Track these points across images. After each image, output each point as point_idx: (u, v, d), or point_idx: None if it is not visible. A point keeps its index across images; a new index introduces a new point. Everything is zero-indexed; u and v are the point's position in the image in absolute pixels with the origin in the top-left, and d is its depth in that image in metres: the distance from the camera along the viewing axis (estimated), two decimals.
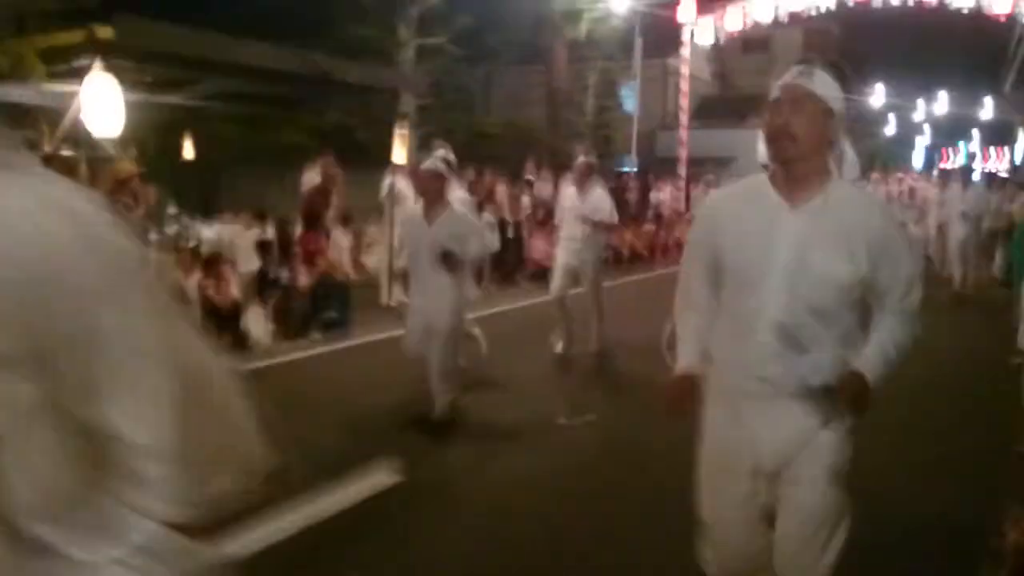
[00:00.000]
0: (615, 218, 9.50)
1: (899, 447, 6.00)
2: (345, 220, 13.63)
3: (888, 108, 48.68)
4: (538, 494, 5.06)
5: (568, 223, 9.21)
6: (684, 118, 23.10)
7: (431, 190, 6.38)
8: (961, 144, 64.59)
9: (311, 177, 12.27)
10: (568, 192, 9.50)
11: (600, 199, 9.05)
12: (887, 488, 5.16)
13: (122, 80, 8.64)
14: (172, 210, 12.38)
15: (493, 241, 14.04)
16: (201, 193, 14.12)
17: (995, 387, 7.32)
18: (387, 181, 12.01)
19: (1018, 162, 46.15)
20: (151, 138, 14.46)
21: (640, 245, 17.59)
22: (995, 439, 6.05)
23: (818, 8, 20.65)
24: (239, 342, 8.98)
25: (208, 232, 12.18)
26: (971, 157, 62.26)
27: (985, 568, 3.62)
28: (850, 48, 45.28)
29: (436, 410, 6.29)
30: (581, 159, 9.26)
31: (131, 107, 8.85)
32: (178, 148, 14.27)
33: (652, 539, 4.44)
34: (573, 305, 9.27)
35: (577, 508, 4.86)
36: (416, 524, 4.64)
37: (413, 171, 13.90)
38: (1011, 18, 20.41)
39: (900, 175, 24.17)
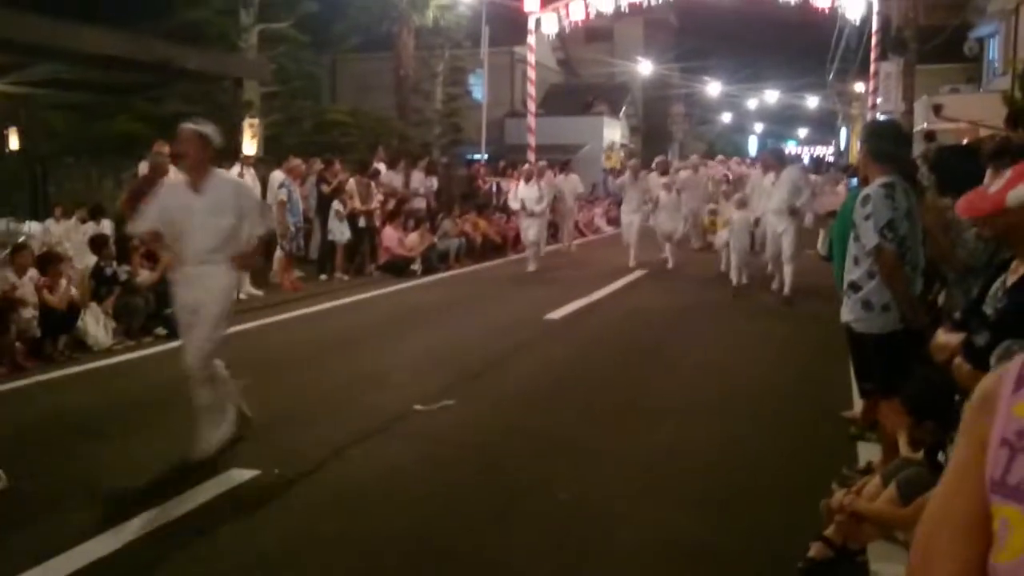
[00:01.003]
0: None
1: (749, 415, 6.36)
2: None
3: (724, 98, 50.82)
4: (398, 480, 5.09)
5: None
6: (532, 106, 23.42)
7: (192, 153, 5.44)
8: (791, 133, 68.37)
9: (145, 168, 11.75)
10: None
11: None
12: (733, 450, 5.47)
13: None
14: None
15: (343, 231, 13.88)
16: (30, 187, 13.32)
17: (826, 361, 7.84)
18: (235, 172, 11.66)
19: (843, 148, 49.24)
20: None
21: (492, 233, 17.76)
22: (825, 405, 6.48)
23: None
24: (77, 342, 8.56)
25: (36, 228, 11.53)
26: (800, 144, 65.98)
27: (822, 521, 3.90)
28: (688, 39, 47.14)
29: (198, 404, 5.48)
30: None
31: None
32: (2, 139, 13.40)
33: (510, 526, 4.55)
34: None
35: (437, 494, 4.91)
36: (272, 516, 4.57)
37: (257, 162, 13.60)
38: (832, 11, 21.66)
39: (721, 157, 25.15)
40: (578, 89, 38.72)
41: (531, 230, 15.45)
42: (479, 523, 4.49)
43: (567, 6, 21.24)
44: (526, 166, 17.38)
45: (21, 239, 10.64)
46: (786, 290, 11.39)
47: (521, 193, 15.66)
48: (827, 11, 21.40)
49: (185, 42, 13.58)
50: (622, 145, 37.28)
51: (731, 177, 20.32)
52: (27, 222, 11.73)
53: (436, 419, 6.29)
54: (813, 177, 19.40)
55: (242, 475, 5.05)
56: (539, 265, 15.25)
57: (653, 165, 17.20)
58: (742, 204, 12.72)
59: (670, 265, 15.19)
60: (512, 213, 17.33)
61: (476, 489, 4.96)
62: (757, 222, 12.29)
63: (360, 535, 4.38)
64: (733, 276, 12.41)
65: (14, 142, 13.31)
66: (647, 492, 4.89)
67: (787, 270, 11.40)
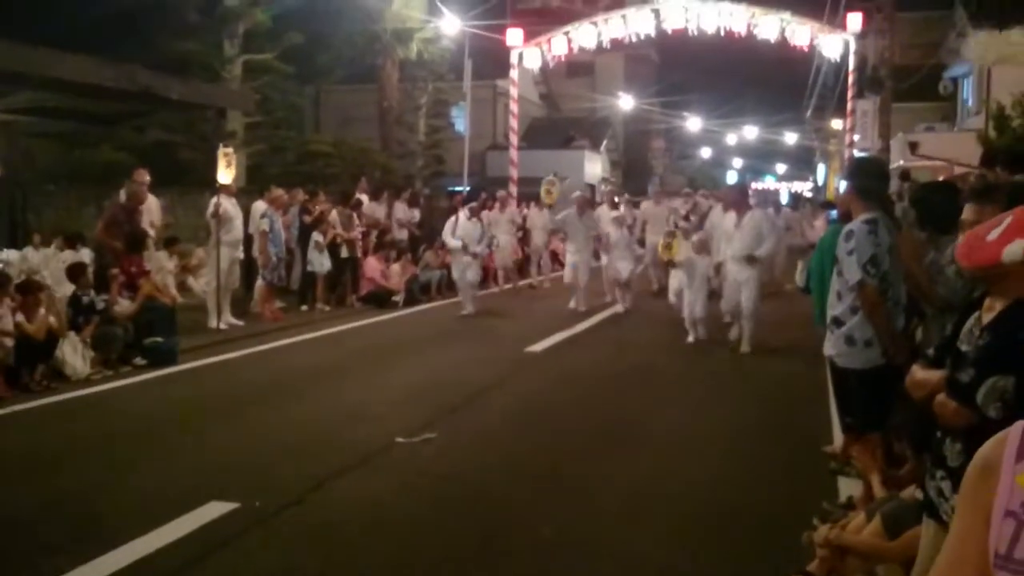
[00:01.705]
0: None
1: (727, 449, 6.36)
2: (170, 242, 13.10)
3: (704, 133, 51.33)
4: (379, 513, 5.05)
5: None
6: (514, 139, 23.57)
7: None
8: (770, 168, 69.09)
9: (123, 196, 11.70)
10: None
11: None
12: (715, 484, 5.47)
13: None
14: None
15: (323, 262, 13.84)
16: (8, 214, 13.21)
17: (806, 395, 7.88)
18: (213, 201, 11.63)
19: (820, 184, 49.79)
20: None
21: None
22: (806, 440, 6.50)
23: (638, 35, 21.57)
24: (55, 372, 8.46)
25: (13, 256, 11.41)
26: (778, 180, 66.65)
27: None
28: (669, 74, 47.68)
29: None
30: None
31: None
32: None
33: (494, 558, 4.52)
34: None
35: (419, 527, 4.87)
36: (252, 549, 4.52)
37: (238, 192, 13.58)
38: (811, 50, 22.01)
39: (687, 190, 23.42)
40: (560, 123, 39.00)
41: (470, 271, 13.72)
42: (462, 555, 4.46)
43: (549, 41, 21.48)
44: (499, 193, 16.99)
45: None
46: (745, 346, 10.18)
47: (462, 230, 13.75)
48: (806, 49, 21.74)
49: (169, 72, 13.58)
50: (603, 179, 37.51)
51: (688, 212, 18.46)
52: (4, 250, 11.61)
53: (418, 452, 6.25)
54: (786, 213, 19.19)
55: (222, 508, 4.99)
56: (477, 308, 13.68)
57: (599, 198, 16.44)
58: (702, 247, 11.07)
59: (621, 309, 13.75)
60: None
61: (459, 522, 4.93)
62: (718, 269, 10.72)
63: (341, 568, 4.34)
64: (689, 330, 10.94)
65: None
66: (629, 525, 4.88)
67: (747, 326, 10.22)
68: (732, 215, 10.36)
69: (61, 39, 13.36)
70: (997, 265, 2.21)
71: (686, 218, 16.09)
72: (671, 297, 12.12)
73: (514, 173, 22.19)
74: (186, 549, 4.48)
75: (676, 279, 11.70)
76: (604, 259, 14.66)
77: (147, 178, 11.18)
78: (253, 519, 4.87)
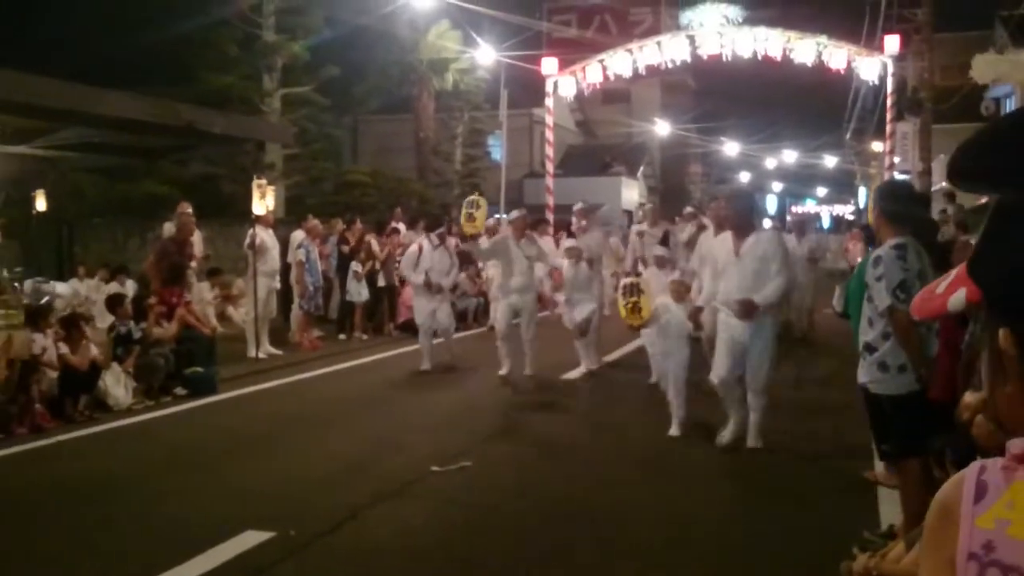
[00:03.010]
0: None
1: (765, 477, 6.29)
2: (212, 273, 13.33)
3: (742, 158, 51.11)
4: (413, 541, 5.06)
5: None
6: (550, 167, 23.65)
7: None
8: (810, 192, 68.51)
9: (169, 229, 11.95)
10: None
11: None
12: (755, 511, 5.41)
13: None
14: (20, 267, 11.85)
15: (361, 291, 13.95)
16: (55, 247, 13.54)
17: (845, 421, 7.77)
18: (250, 232, 11.83)
19: (862, 207, 49.26)
20: (0, 190, 13.82)
21: None
22: (847, 466, 6.41)
23: (673, 61, 21.58)
24: (97, 402, 8.61)
25: (62, 288, 11.69)
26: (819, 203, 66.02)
27: None
28: (705, 100, 47.62)
29: None
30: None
31: None
32: (30, 200, 13.67)
33: None
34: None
35: (454, 556, 4.88)
36: None
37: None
38: (848, 72, 21.87)
39: (689, 210, 21.14)
40: (596, 150, 39.06)
41: (441, 311, 11.09)
42: None
43: (584, 69, 21.55)
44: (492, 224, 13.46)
45: (45, 299, 10.79)
46: (753, 440, 6.85)
47: (427, 261, 11.03)
48: (843, 72, 21.61)
49: (210, 106, 13.87)
50: (640, 204, 37.47)
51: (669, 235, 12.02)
52: (52, 282, 11.89)
53: (453, 480, 6.27)
54: (821, 237, 17.66)
55: (258, 537, 5.04)
56: (441, 360, 11.06)
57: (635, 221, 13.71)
58: (680, 293, 7.57)
59: (584, 369, 10.46)
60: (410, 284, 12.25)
61: (492, 552, 4.93)
62: (696, 319, 7.40)
63: None
64: (674, 414, 7.50)
65: (41, 203, 13.57)
66: (669, 552, 4.84)
67: (755, 413, 6.83)
68: (728, 239, 6.82)
69: (106, 77, 13.72)
70: (945, 316, 2.26)
71: (664, 241, 10.26)
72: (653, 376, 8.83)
73: (550, 201, 22.22)
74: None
75: (647, 338, 8.20)
76: (560, 301, 11.85)
77: (190, 209, 11.41)
78: (288, 548, 4.90)
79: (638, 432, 7.87)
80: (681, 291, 7.64)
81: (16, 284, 10.38)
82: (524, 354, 10.40)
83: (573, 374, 10.56)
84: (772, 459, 6.82)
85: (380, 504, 5.73)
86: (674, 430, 7.44)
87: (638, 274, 8.08)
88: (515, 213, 11.01)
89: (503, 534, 5.20)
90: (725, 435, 6.94)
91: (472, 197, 10.00)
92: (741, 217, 6.84)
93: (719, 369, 6.83)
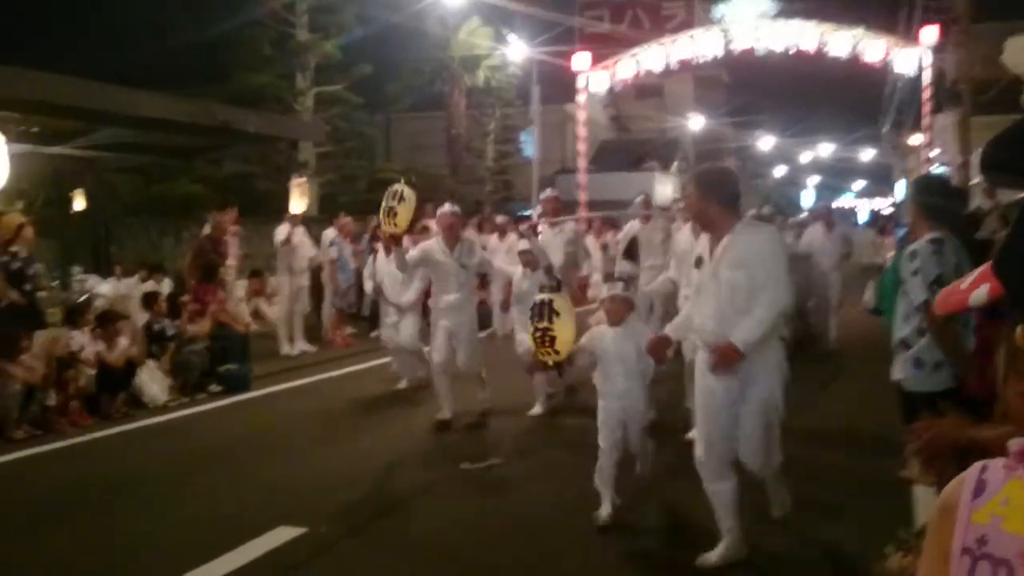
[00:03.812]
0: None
1: (800, 475, 6.21)
2: (254, 274, 13.43)
3: (777, 152, 50.64)
4: (444, 539, 5.06)
5: None
6: (582, 163, 23.57)
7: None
8: (847, 185, 67.71)
9: (207, 229, 12.06)
10: None
11: None
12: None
13: (5, 131, 8.42)
14: (62, 264, 12.03)
15: None
16: (93, 246, 13.74)
17: (880, 417, 7.64)
18: (282, 229, 11.89)
19: (899, 201, 48.60)
20: (39, 190, 14.04)
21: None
22: (882, 463, 6.31)
23: (705, 56, 21.40)
24: (133, 399, 8.72)
25: (102, 286, 11.85)
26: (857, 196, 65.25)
27: None
28: (739, 94, 47.22)
29: None
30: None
31: (17, 159, 8.61)
32: (68, 200, 13.88)
33: None
34: None
35: (483, 554, 4.87)
36: (319, 574, 4.59)
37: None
38: (884, 65, 21.56)
39: (677, 199, 20.49)
40: (629, 145, 38.90)
41: (406, 327, 8.99)
42: None
43: (616, 64, 21.44)
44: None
45: (84, 297, 10.95)
46: (778, 509, 5.06)
47: (384, 270, 9.22)
48: (879, 65, 21.31)
49: (244, 105, 14.00)
50: (674, 200, 37.24)
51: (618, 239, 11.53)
52: (91, 280, 12.06)
53: (483, 479, 6.27)
54: (855, 231, 16.49)
55: (290, 533, 5.07)
56: (423, 378, 9.08)
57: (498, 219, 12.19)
58: (615, 312, 5.37)
59: (539, 410, 8.24)
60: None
61: (523, 550, 4.91)
62: (663, 353, 4.93)
63: None
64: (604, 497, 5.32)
65: (79, 203, 13.77)
66: (698, 551, 4.79)
67: (771, 482, 4.98)
68: (704, 241, 4.54)
69: (142, 78, 13.90)
70: (967, 310, 2.26)
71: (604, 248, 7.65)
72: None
73: (583, 196, 22.15)
74: (254, 573, 4.57)
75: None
76: (496, 323, 10.33)
77: (233, 214, 11.46)
78: (320, 545, 4.93)
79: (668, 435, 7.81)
80: (617, 310, 5.32)
81: (56, 281, 10.57)
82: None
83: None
84: (806, 457, 6.74)
85: (410, 502, 5.74)
86: (605, 513, 5.16)
87: (555, 287, 5.41)
88: (548, 191, 9.45)
89: (533, 532, 5.18)
90: (710, 556, 4.54)
91: (395, 186, 6.95)
92: (707, 205, 4.41)
93: (698, 446, 4.63)
